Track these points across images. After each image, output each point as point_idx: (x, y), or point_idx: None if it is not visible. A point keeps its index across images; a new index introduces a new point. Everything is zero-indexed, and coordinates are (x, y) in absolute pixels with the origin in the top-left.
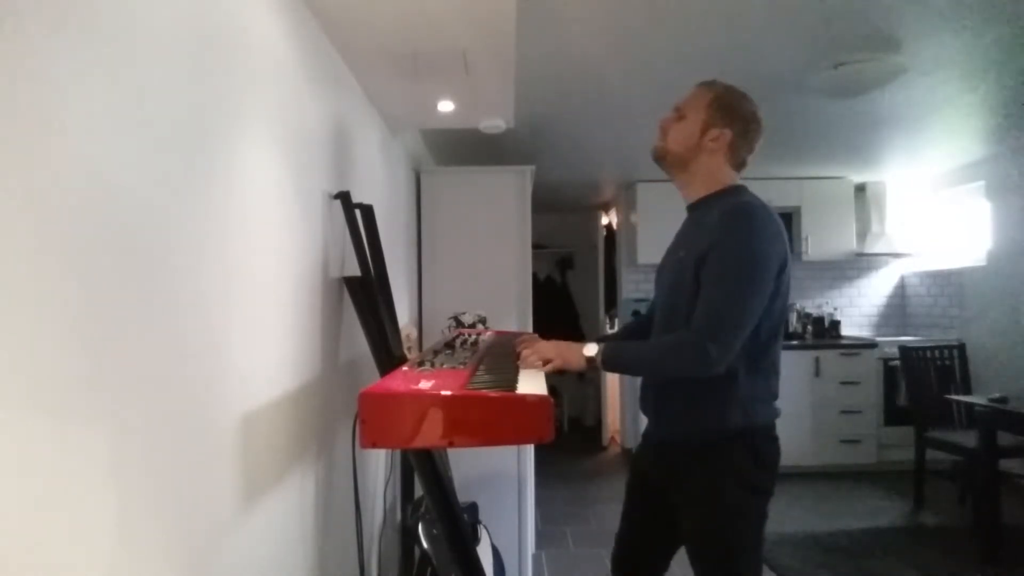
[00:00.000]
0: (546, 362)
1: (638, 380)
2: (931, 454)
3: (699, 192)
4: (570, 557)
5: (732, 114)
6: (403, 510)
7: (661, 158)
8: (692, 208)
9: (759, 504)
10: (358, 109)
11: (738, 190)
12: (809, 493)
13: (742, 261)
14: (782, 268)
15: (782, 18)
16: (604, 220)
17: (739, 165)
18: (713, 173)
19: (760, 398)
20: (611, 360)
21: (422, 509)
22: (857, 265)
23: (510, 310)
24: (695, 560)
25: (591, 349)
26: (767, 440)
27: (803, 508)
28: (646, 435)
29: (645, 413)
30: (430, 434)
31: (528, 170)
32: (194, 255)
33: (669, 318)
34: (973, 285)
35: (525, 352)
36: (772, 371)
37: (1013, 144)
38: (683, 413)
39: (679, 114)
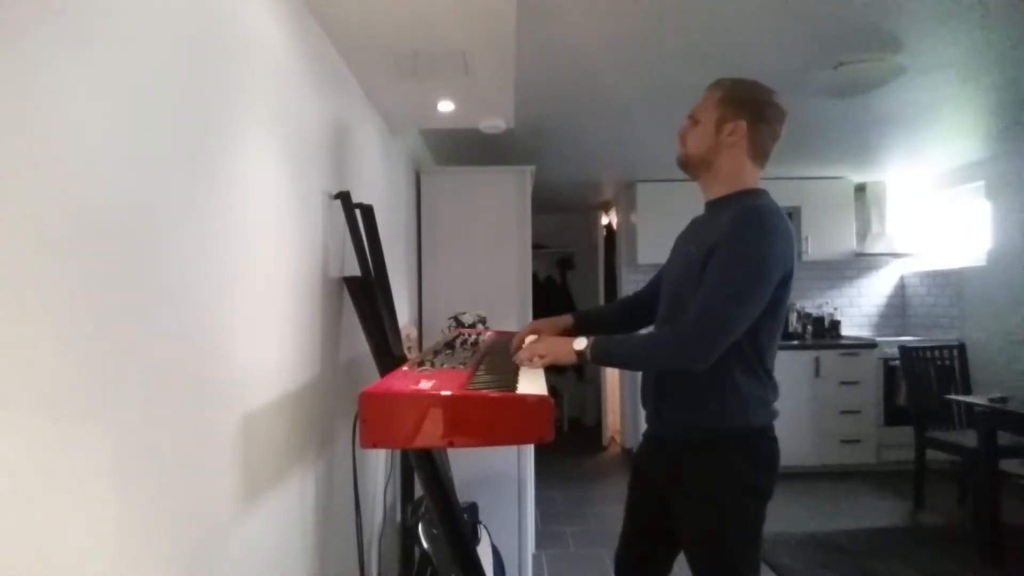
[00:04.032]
0: (539, 358)
1: (638, 379)
2: (931, 454)
3: (720, 191)
4: (570, 557)
5: (742, 103)
6: (403, 510)
7: (685, 164)
8: (710, 206)
9: (756, 505)
10: (358, 109)
11: (756, 193)
12: (809, 493)
13: (744, 265)
14: (787, 276)
15: (782, 18)
16: (604, 220)
17: (762, 157)
18: (736, 171)
19: (758, 399)
20: (600, 354)
21: (422, 509)
22: (857, 265)
23: (510, 310)
24: (693, 560)
25: (580, 343)
26: (766, 440)
27: (803, 508)
28: (646, 434)
29: (645, 408)
30: (430, 434)
31: (528, 170)
32: (194, 255)
33: (673, 308)
34: (973, 285)
35: (520, 352)
36: (768, 374)
37: (1013, 144)
38: (682, 411)
39: (693, 120)
